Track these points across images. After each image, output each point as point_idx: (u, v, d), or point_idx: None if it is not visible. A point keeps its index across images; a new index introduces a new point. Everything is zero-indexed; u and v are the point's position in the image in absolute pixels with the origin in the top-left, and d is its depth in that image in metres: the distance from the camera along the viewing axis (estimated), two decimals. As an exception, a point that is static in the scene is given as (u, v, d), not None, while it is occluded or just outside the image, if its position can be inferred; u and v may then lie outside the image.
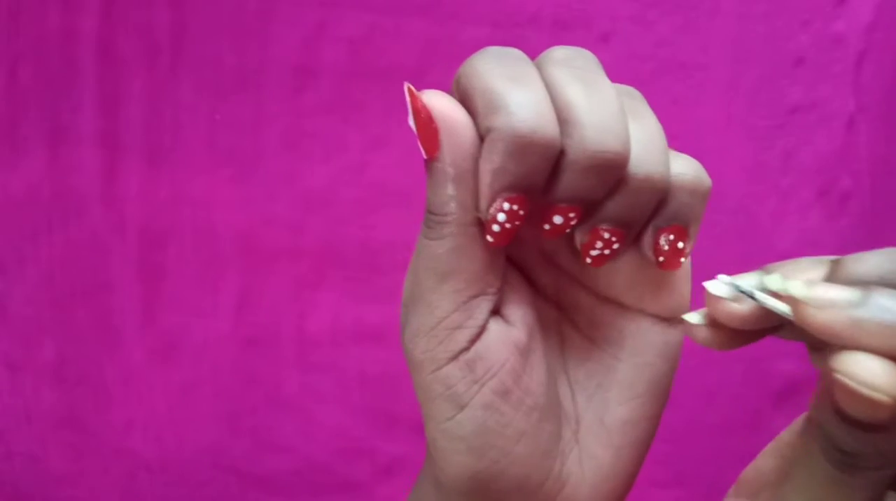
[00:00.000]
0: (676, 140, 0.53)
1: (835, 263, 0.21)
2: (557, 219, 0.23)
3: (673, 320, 0.26)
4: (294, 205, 0.49)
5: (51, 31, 0.48)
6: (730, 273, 0.23)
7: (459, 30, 0.48)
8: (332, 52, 0.48)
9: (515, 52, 0.23)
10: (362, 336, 0.50)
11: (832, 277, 0.21)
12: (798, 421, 0.25)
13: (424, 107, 0.22)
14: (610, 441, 0.26)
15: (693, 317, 0.24)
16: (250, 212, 0.49)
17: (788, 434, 0.25)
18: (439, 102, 0.22)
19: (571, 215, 0.23)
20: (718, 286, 0.22)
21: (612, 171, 0.22)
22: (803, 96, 0.49)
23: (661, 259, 0.24)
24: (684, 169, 0.23)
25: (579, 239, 0.24)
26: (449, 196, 0.22)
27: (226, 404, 0.51)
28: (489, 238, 0.22)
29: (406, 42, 0.48)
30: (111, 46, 0.48)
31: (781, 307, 0.21)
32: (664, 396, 0.26)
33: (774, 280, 0.22)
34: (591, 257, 0.24)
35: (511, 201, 0.22)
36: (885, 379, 0.19)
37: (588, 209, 0.23)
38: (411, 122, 0.22)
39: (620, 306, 0.26)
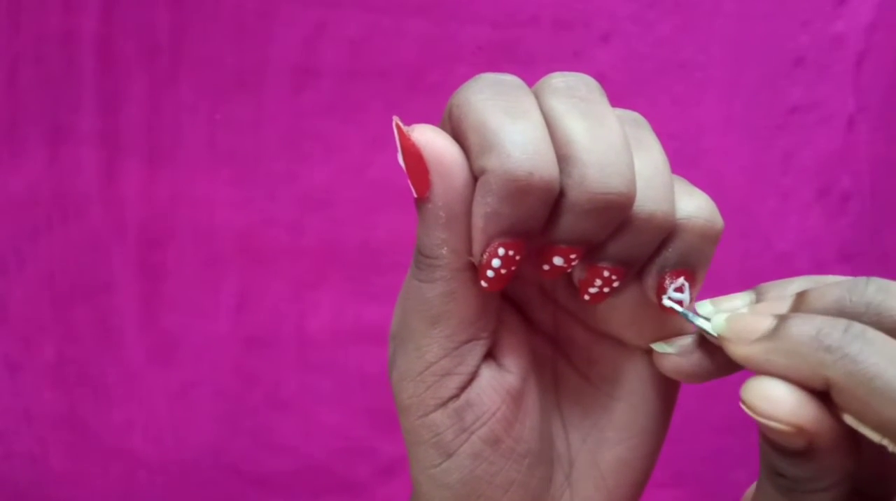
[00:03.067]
0: (676, 140, 0.53)
1: (799, 295, 0.21)
2: (558, 261, 0.21)
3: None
4: (294, 205, 0.49)
5: (51, 31, 0.48)
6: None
7: (459, 30, 0.48)
8: (332, 52, 0.48)
9: (512, 80, 0.21)
10: (362, 336, 0.50)
11: (793, 310, 0.21)
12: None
13: (414, 145, 0.20)
14: (604, 482, 0.25)
15: (661, 347, 0.23)
16: (250, 212, 0.49)
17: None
18: (430, 139, 0.20)
19: (573, 256, 0.21)
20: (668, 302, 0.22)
21: (615, 213, 0.20)
22: (803, 96, 0.49)
23: (664, 303, 0.22)
24: (696, 211, 0.22)
25: (577, 275, 0.22)
26: (440, 239, 0.21)
27: (226, 404, 0.51)
28: (483, 283, 0.21)
29: (406, 42, 0.48)
30: (111, 46, 0.48)
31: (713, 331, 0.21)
32: (661, 435, 0.25)
33: (706, 309, 0.22)
34: (590, 294, 0.22)
35: (507, 246, 0.20)
36: (784, 408, 0.18)
37: (589, 248, 0.21)
38: (400, 160, 0.21)
39: (618, 343, 0.25)
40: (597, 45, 0.47)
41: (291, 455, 0.51)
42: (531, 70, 0.47)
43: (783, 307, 0.21)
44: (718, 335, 0.21)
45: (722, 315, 0.21)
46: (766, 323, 0.19)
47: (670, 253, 0.22)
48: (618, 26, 0.48)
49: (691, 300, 0.22)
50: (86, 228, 0.50)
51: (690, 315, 0.22)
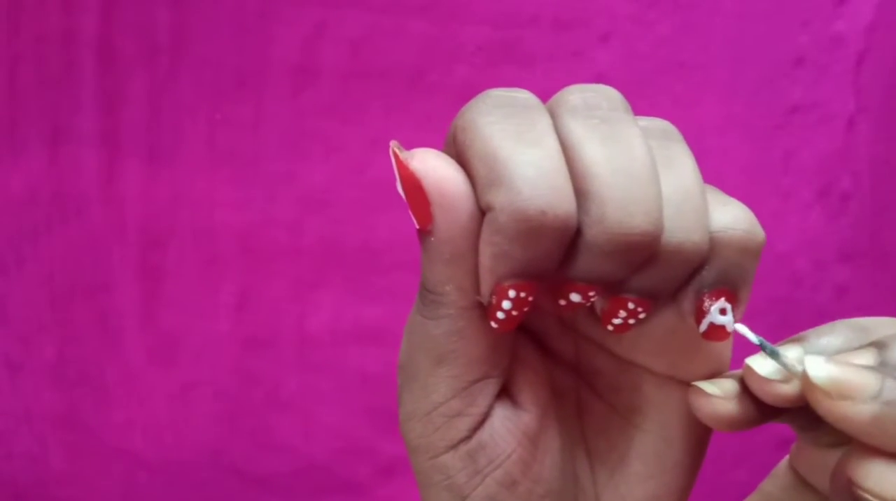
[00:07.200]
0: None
1: (881, 348, 0.18)
2: (575, 298, 0.19)
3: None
4: (294, 205, 0.49)
5: (51, 31, 0.48)
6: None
7: (459, 30, 0.48)
8: (332, 52, 0.48)
9: (524, 99, 0.19)
10: (362, 336, 0.50)
11: (882, 363, 0.18)
12: (779, 471, 0.24)
13: (413, 174, 0.18)
14: None
15: (707, 386, 0.21)
16: (250, 212, 0.49)
17: (770, 484, 0.24)
18: (431, 168, 0.18)
19: (591, 293, 0.19)
20: (761, 362, 0.19)
21: (638, 254, 0.18)
22: (803, 96, 0.49)
23: (704, 329, 0.20)
24: (733, 222, 0.19)
25: (599, 305, 0.20)
26: (445, 276, 0.19)
27: (226, 404, 0.51)
28: (493, 324, 0.19)
29: (406, 42, 0.48)
30: (111, 46, 0.48)
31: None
32: (695, 469, 0.23)
33: (794, 352, 0.19)
34: (614, 325, 0.20)
35: (518, 288, 0.18)
36: None
37: (609, 285, 0.19)
38: (399, 189, 0.19)
39: (647, 371, 0.22)
40: (597, 45, 0.47)
41: (291, 455, 0.51)
42: (531, 70, 0.47)
43: (866, 358, 0.18)
44: (817, 384, 0.18)
45: (817, 360, 0.18)
46: (870, 381, 0.17)
47: (707, 272, 0.19)
48: (618, 26, 0.48)
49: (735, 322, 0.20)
50: (86, 228, 0.50)
51: (770, 347, 0.19)
